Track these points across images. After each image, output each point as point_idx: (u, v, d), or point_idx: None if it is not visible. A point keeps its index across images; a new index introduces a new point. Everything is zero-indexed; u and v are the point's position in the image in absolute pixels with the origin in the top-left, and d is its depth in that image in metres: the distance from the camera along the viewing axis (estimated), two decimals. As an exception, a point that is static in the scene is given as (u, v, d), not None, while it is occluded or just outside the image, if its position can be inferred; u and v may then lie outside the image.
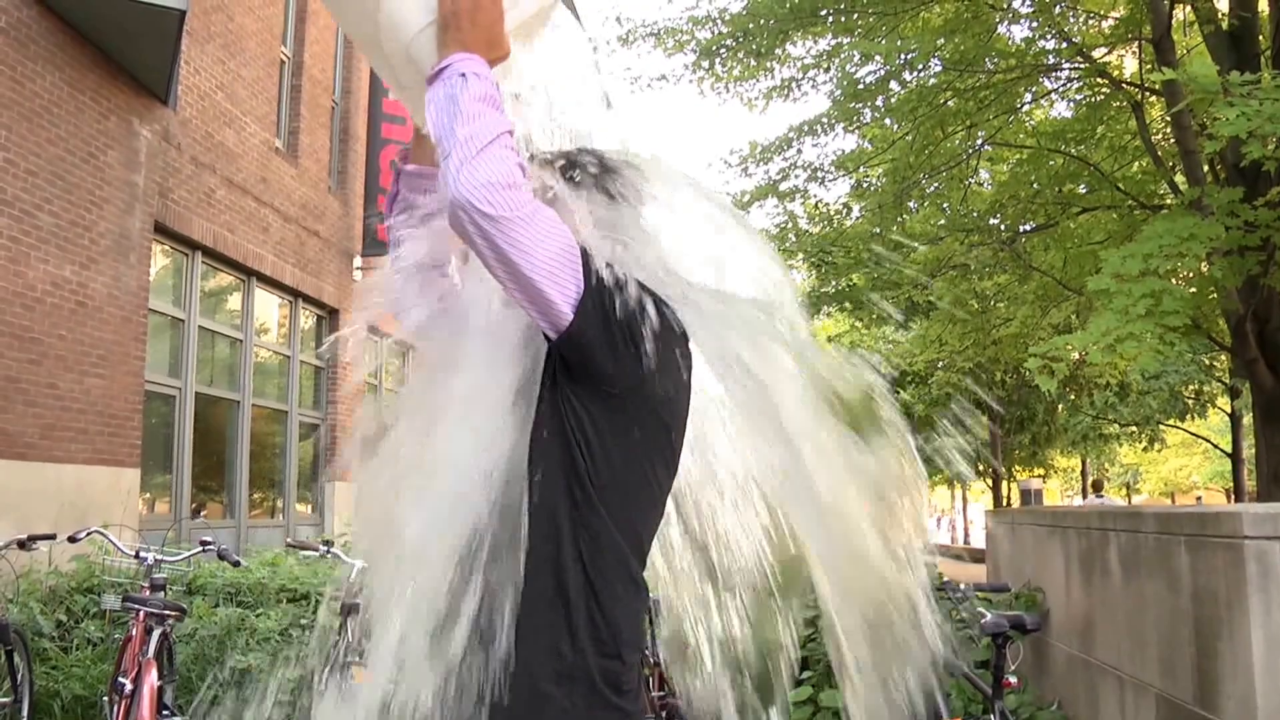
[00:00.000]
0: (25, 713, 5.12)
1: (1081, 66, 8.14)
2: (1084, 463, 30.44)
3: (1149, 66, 7.48)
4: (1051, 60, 8.26)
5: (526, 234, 1.37)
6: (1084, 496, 18.76)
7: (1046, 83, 8.83)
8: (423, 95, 1.48)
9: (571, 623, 1.41)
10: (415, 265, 1.71)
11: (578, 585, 1.42)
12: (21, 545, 5.13)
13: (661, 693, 4.45)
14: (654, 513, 1.53)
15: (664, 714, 4.29)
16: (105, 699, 4.98)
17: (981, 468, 24.26)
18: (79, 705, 5.30)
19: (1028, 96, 8.98)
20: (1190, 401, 19.77)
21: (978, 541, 36.00)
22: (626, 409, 1.45)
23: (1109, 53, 8.99)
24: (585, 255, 1.44)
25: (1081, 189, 9.11)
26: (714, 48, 8.81)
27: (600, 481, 1.43)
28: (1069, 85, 8.88)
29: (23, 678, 5.12)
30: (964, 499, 44.92)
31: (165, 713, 4.35)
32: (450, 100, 1.43)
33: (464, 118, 1.40)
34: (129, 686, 4.23)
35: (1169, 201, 7.77)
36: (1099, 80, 8.17)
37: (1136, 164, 8.98)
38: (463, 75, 1.44)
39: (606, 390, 1.44)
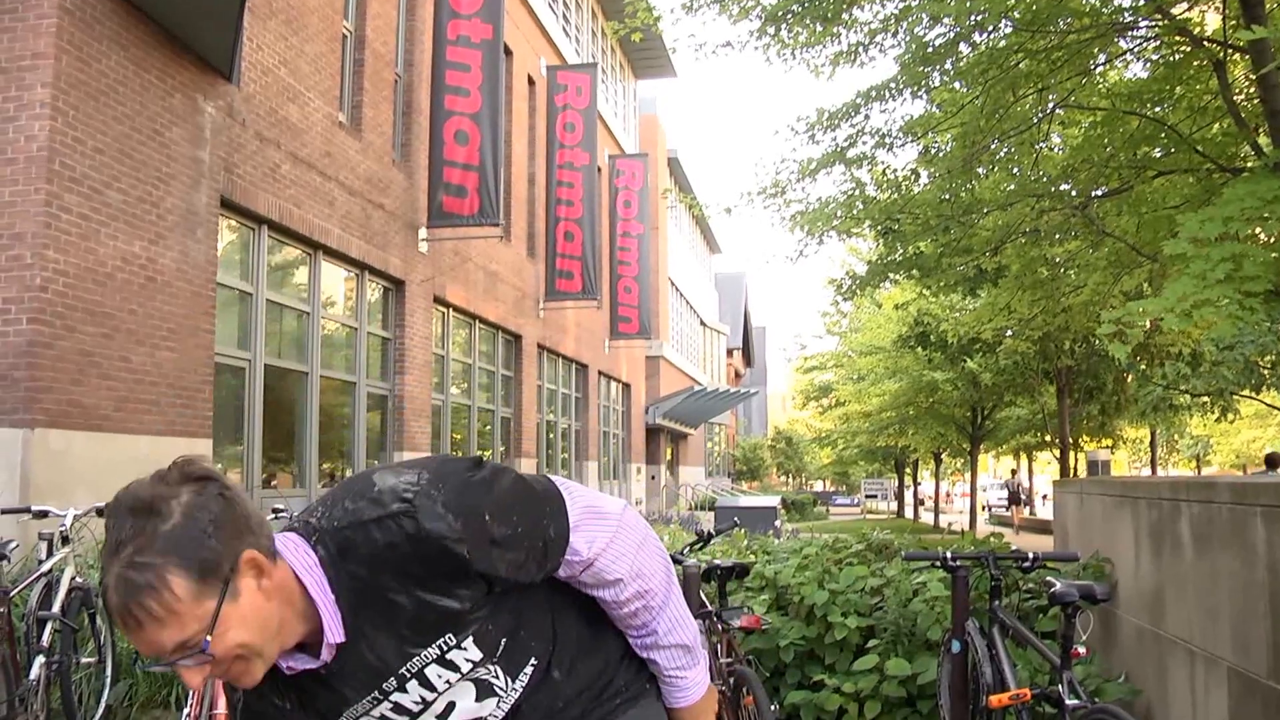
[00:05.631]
0: (109, 672, 5.33)
1: (1159, 24, 7.86)
2: (1153, 433, 29.84)
3: (1233, 23, 7.20)
4: (1127, 18, 7.98)
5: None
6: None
7: (1122, 42, 8.54)
8: None
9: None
10: None
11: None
12: (100, 513, 5.29)
13: (729, 659, 4.45)
14: None
15: (731, 680, 4.28)
16: (183, 661, 5.12)
17: (1049, 438, 23.85)
18: (158, 667, 5.45)
19: (1102, 57, 8.68)
20: (1266, 372, 19.20)
21: (1043, 512, 35.51)
22: None
23: (1189, 9, 8.67)
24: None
25: (1157, 152, 8.82)
26: (780, 13, 8.66)
27: None
28: (1145, 44, 8.58)
29: (105, 639, 5.31)
30: (1030, 469, 44.28)
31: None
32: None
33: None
34: (205, 648, 4.34)
35: (1250, 164, 7.49)
36: (1178, 38, 7.88)
37: (1216, 125, 8.66)
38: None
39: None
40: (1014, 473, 38.63)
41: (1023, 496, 34.44)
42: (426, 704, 1.49)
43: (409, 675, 1.45)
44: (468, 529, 1.36)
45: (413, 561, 1.35)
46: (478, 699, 1.51)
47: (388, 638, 1.41)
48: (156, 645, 1.25)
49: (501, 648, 1.49)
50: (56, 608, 4.89)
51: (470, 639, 1.44)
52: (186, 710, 4.25)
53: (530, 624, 1.53)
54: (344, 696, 1.46)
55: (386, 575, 1.37)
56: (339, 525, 1.38)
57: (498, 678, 1.51)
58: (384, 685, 1.45)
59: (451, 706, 1.51)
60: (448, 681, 1.47)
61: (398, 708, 1.48)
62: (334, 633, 1.38)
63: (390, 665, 1.43)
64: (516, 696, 1.53)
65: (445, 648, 1.43)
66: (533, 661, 1.53)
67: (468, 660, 1.46)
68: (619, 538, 1.54)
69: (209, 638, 1.25)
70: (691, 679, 1.67)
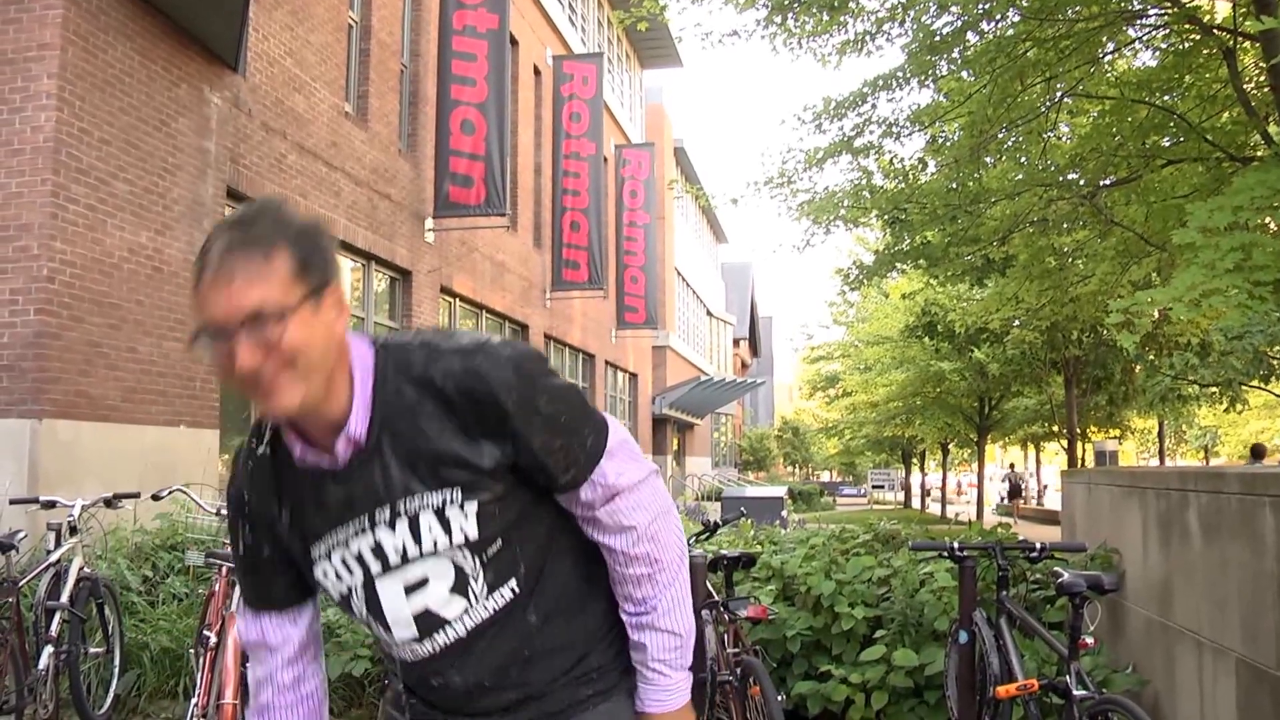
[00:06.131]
0: (117, 662, 5.34)
1: (1169, 12, 7.82)
2: (1161, 424, 29.79)
3: (1243, 11, 7.16)
4: (1137, 6, 7.94)
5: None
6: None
7: (1131, 30, 8.50)
8: None
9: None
10: None
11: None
12: (108, 503, 5.33)
13: (736, 649, 4.44)
14: None
15: (738, 670, 4.28)
16: (191, 651, 5.15)
17: (1057, 428, 23.81)
18: (166, 656, 5.48)
19: (1110, 45, 8.64)
20: (1276, 362, 19.13)
21: (1048, 503, 35.49)
22: None
23: (1199, -5, 8.62)
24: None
25: (1166, 141, 8.77)
26: (786, 1, 8.63)
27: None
28: (1155, 32, 8.53)
29: (113, 629, 5.33)
30: (1037, 460, 44.24)
31: (248, 664, 4.46)
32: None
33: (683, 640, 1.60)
34: (213, 639, 4.36)
35: (1260, 153, 7.46)
36: (1188, 26, 7.84)
37: (1226, 114, 8.61)
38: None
39: None
40: (1013, 466, 40.41)
41: (1022, 488, 34.85)
42: (405, 560, 1.48)
43: (403, 513, 1.46)
44: (521, 387, 1.42)
45: (460, 397, 1.41)
46: (451, 590, 1.50)
47: (401, 465, 1.44)
48: (236, 305, 1.29)
49: (495, 548, 1.49)
50: (65, 598, 4.91)
51: (474, 506, 1.46)
52: (194, 700, 4.27)
53: (526, 545, 1.52)
54: (336, 514, 1.48)
55: (429, 402, 1.42)
56: (407, 344, 1.46)
57: (477, 579, 1.49)
58: (376, 513, 1.46)
59: (425, 583, 1.49)
60: (434, 544, 1.47)
61: (378, 550, 1.48)
62: (357, 426, 1.42)
63: (392, 490, 1.45)
64: (485, 616, 1.51)
65: (448, 501, 1.45)
66: (513, 586, 1.51)
67: (462, 531, 1.46)
68: (646, 486, 1.55)
69: (287, 316, 1.30)
70: (673, 681, 1.58)
